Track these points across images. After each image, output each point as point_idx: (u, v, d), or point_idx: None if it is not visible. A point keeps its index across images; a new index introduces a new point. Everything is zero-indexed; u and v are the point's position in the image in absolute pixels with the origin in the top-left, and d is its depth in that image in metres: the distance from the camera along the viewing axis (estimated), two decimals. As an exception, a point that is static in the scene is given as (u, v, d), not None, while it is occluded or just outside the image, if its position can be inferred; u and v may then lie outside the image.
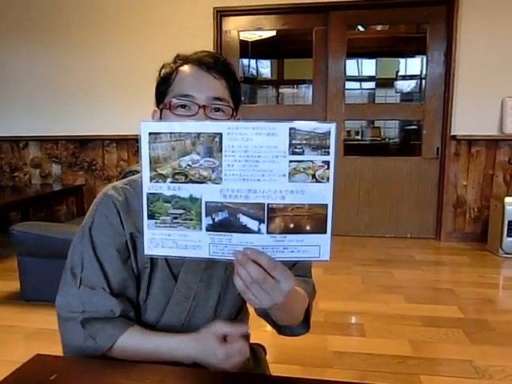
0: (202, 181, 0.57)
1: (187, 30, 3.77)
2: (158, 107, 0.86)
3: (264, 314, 0.80)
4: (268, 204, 0.57)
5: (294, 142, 0.55)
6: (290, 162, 0.56)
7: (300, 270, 0.87)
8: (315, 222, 0.58)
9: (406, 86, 4.69)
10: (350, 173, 3.93)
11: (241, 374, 0.75)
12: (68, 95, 4.10)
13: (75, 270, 0.80)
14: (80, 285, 0.79)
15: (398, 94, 4.74)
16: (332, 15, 3.80)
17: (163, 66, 0.86)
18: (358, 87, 4.85)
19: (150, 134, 0.57)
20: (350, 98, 4.18)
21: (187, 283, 0.85)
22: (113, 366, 0.73)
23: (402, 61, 4.71)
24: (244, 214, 0.57)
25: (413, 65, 4.59)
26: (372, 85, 4.78)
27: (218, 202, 0.58)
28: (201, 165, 0.57)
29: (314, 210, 0.57)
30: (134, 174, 0.91)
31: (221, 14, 3.85)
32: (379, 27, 4.25)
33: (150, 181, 0.59)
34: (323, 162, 0.56)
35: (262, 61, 4.73)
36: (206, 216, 0.58)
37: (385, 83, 4.84)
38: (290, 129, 0.55)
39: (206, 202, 0.58)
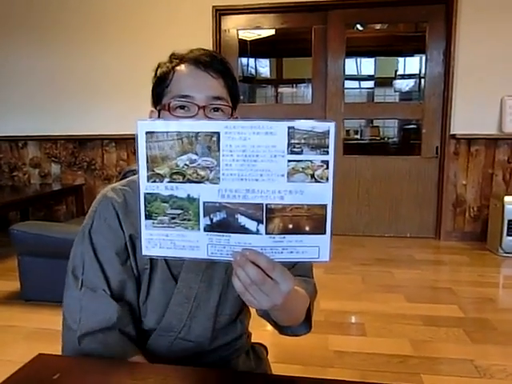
0: (199, 180, 0.56)
1: (186, 29, 3.76)
2: (154, 107, 0.85)
3: (265, 314, 0.80)
4: (266, 204, 0.56)
5: (292, 141, 0.54)
6: (289, 161, 0.55)
7: (300, 270, 0.86)
8: (314, 223, 0.57)
9: (405, 85, 4.68)
10: (349, 172, 3.92)
11: (243, 374, 0.75)
12: (67, 95, 4.10)
13: (77, 272, 0.81)
14: (82, 286, 0.79)
15: (397, 93, 4.72)
16: (331, 14, 3.79)
17: (159, 66, 0.85)
18: (357, 86, 4.84)
19: (146, 132, 0.56)
20: (350, 97, 4.17)
21: (188, 284, 0.84)
22: (116, 366, 0.73)
23: (401, 60, 4.70)
24: (242, 215, 0.56)
25: (412, 64, 4.57)
26: (371, 84, 4.76)
27: (215, 202, 0.57)
28: (198, 164, 0.56)
29: (313, 210, 0.56)
30: (134, 174, 0.90)
31: (220, 12, 3.85)
32: (378, 26, 4.24)
33: (147, 180, 0.58)
34: (322, 161, 0.55)
35: (260, 60, 4.72)
36: (204, 216, 0.57)
37: (384, 82, 4.82)
38: (289, 128, 0.54)
39: (204, 202, 0.57)
